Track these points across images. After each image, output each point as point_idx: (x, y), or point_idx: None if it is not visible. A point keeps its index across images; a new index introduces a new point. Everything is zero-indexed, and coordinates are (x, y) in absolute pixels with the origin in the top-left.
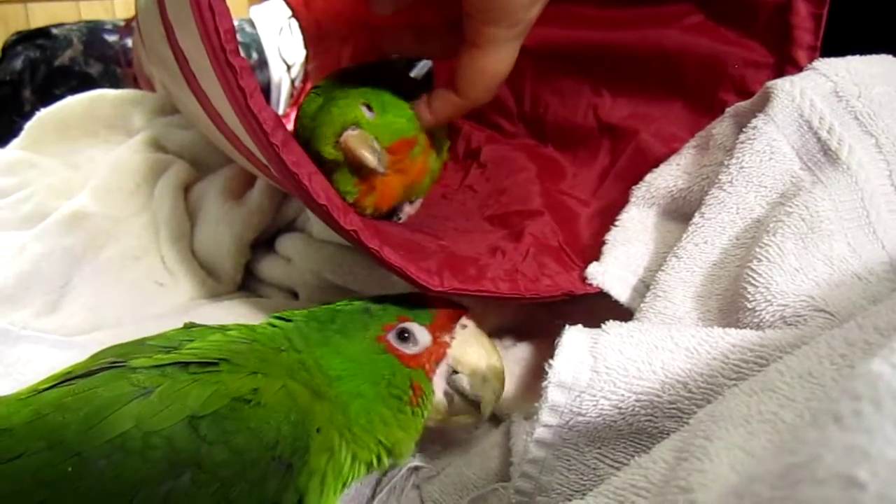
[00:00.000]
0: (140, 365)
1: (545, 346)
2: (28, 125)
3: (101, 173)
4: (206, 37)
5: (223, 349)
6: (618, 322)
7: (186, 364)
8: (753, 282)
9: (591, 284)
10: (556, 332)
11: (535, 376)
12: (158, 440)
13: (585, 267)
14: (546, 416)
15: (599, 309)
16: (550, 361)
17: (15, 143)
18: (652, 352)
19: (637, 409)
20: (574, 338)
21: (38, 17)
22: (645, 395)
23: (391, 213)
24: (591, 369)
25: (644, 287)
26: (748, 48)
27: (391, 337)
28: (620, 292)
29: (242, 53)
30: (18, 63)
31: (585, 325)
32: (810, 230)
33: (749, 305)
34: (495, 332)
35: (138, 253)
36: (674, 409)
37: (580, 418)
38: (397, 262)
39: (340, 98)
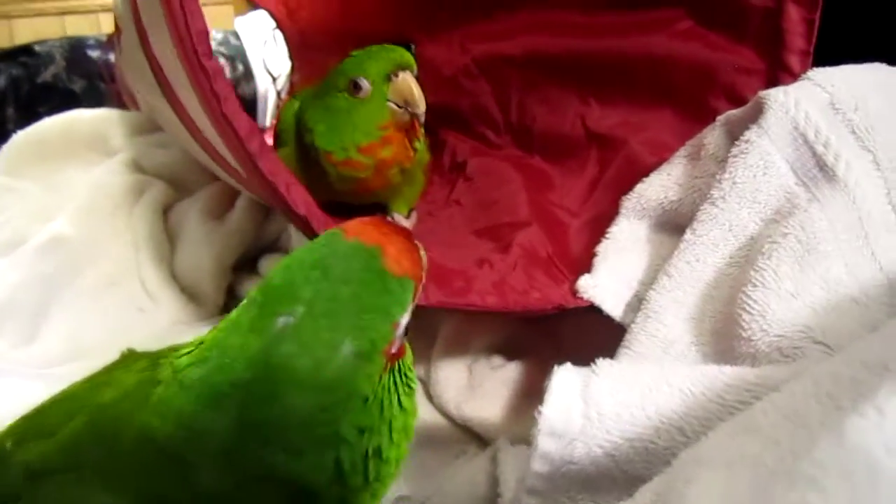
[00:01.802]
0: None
1: (535, 365)
2: (4, 148)
3: (80, 196)
4: (178, 38)
5: (68, 447)
6: (608, 361)
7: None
8: (749, 309)
9: (581, 298)
10: (547, 352)
11: (524, 398)
12: None
13: (576, 279)
14: (537, 465)
15: (590, 325)
16: (540, 409)
17: None
18: (646, 395)
19: (632, 455)
20: (564, 381)
21: (23, 32)
22: (639, 441)
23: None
24: (582, 415)
25: (637, 301)
26: (739, 54)
27: None
28: (613, 307)
29: (228, 66)
30: (1, 81)
31: (576, 344)
32: (806, 252)
33: (744, 334)
34: (484, 351)
35: (117, 278)
36: (669, 454)
37: (572, 466)
38: None
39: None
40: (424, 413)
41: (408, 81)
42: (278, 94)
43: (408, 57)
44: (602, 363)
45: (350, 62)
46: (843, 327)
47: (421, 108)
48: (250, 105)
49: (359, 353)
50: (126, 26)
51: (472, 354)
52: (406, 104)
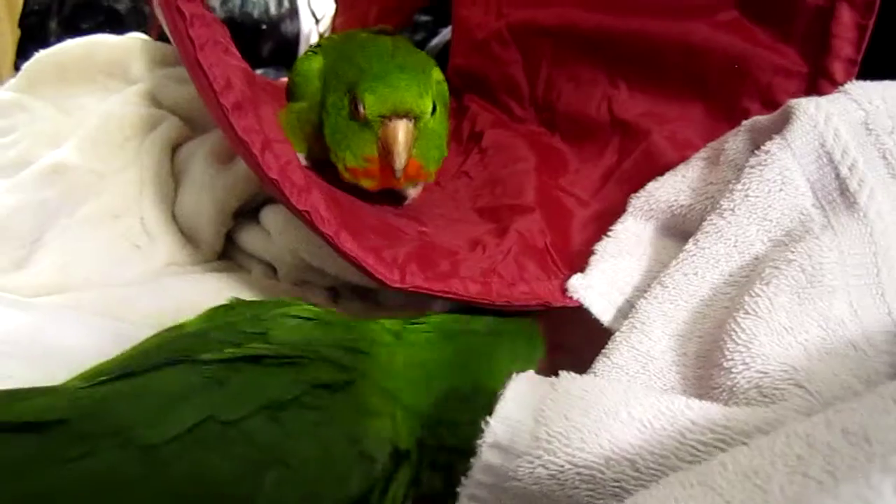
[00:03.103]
0: (210, 358)
1: None
2: (25, 66)
3: (90, 124)
4: None
5: (309, 342)
6: (571, 375)
7: (259, 358)
8: (735, 337)
9: (571, 297)
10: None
11: None
12: (236, 433)
13: (570, 276)
14: (480, 475)
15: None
16: (488, 419)
17: (10, 83)
18: (601, 421)
19: (577, 482)
20: (519, 392)
21: None
22: (587, 469)
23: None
24: (530, 434)
25: (630, 308)
26: (781, 53)
27: None
28: (602, 311)
29: (275, 2)
30: None
31: (571, 332)
32: (809, 284)
33: (725, 364)
34: None
35: (118, 211)
36: (617, 487)
37: (516, 482)
38: (353, 250)
39: (415, 68)
40: None
41: (397, 133)
42: (321, 35)
43: (416, 105)
44: (564, 377)
45: (363, 72)
46: (834, 376)
47: (398, 164)
48: (292, 44)
49: None
50: None
51: None
52: (386, 153)
